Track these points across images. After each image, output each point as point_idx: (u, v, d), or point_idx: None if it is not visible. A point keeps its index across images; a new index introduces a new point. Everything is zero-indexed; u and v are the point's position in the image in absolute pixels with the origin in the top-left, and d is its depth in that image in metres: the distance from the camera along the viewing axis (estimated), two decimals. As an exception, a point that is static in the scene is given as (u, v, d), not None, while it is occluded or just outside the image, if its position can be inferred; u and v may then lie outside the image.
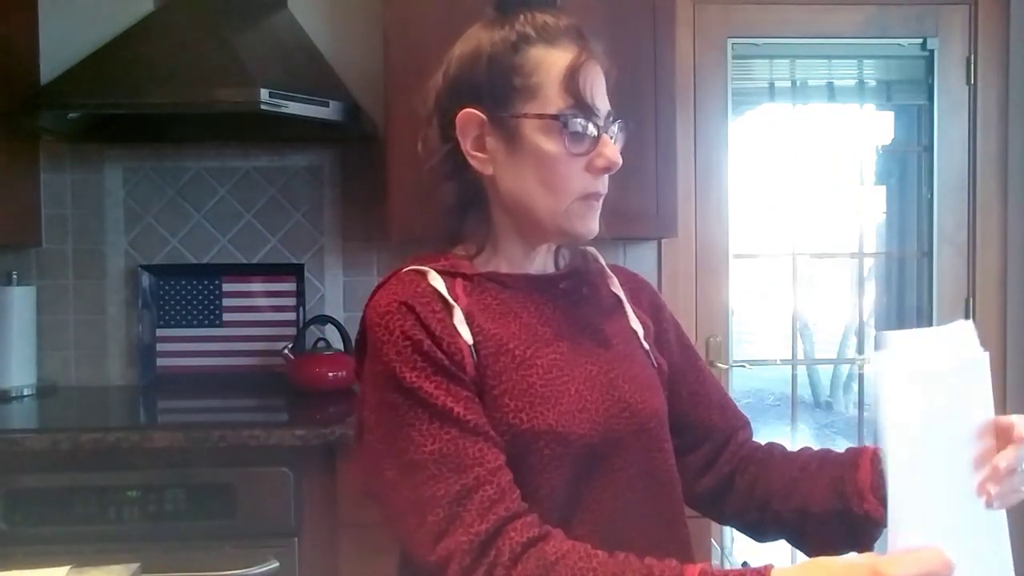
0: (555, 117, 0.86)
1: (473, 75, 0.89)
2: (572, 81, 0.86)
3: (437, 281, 0.86)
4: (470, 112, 0.88)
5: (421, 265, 0.89)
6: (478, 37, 0.90)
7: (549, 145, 0.86)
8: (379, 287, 0.89)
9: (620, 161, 0.88)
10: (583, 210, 0.89)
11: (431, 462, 0.78)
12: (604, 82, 0.90)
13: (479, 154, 0.89)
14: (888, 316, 2.64)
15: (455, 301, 0.86)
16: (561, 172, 0.87)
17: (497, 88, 0.87)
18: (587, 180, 0.88)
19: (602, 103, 0.89)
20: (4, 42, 2.04)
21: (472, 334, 0.84)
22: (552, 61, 0.87)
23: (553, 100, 0.86)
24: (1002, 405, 2.29)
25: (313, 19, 2.21)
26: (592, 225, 0.90)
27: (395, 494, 0.80)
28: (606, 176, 0.90)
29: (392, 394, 0.81)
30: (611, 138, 0.90)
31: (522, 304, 0.90)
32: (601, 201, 0.91)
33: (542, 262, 0.96)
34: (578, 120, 0.86)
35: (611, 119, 0.90)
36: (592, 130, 0.87)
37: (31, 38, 2.16)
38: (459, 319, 0.84)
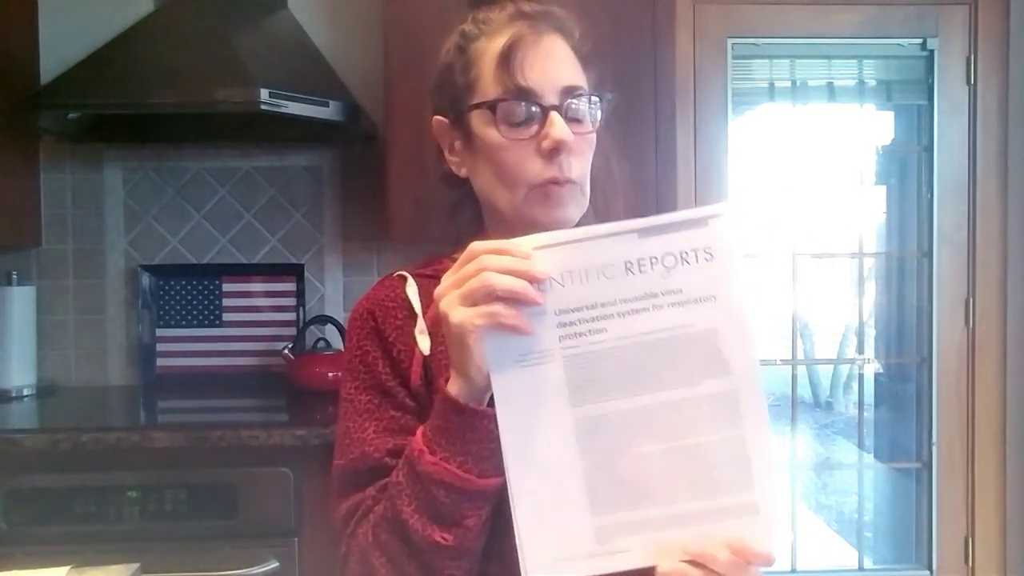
0: (482, 105, 0.84)
1: (436, 83, 0.91)
2: (504, 64, 0.83)
3: (412, 289, 0.89)
4: (438, 119, 0.90)
5: (409, 270, 0.92)
6: (444, 45, 0.92)
7: (491, 136, 0.84)
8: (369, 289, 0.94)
9: (568, 138, 0.81)
10: (541, 198, 0.83)
11: (339, 475, 0.87)
12: (557, 55, 0.85)
13: (454, 158, 0.91)
14: (888, 316, 2.64)
15: (428, 308, 0.87)
16: (508, 161, 0.83)
17: (449, 91, 0.88)
18: (540, 166, 0.82)
19: (547, 79, 0.83)
20: (4, 42, 2.04)
21: (433, 345, 0.86)
22: (488, 50, 0.85)
23: (488, 89, 0.84)
24: (1003, 405, 2.30)
25: (313, 19, 2.21)
26: (556, 213, 0.83)
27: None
28: (569, 158, 0.83)
29: (341, 395, 0.90)
30: (573, 114, 0.84)
31: None
32: (573, 186, 0.84)
33: None
34: (509, 103, 0.82)
35: (578, 94, 0.84)
36: (533, 111, 0.82)
37: (31, 38, 2.16)
38: (420, 328, 0.86)
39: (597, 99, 0.86)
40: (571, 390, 0.69)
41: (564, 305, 0.69)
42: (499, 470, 0.73)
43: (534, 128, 0.82)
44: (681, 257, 0.69)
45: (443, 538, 0.75)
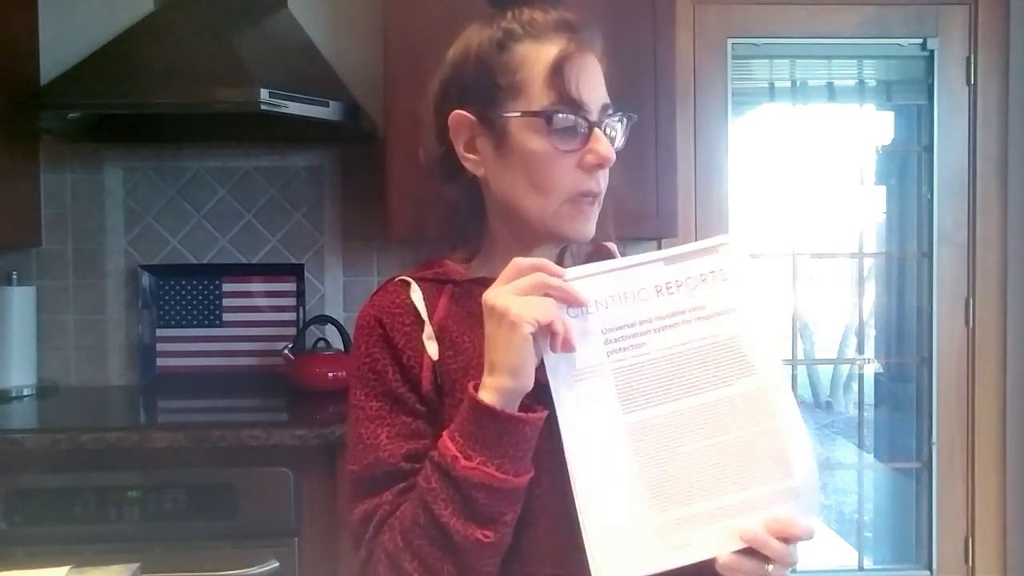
0: (539, 114, 0.83)
1: (462, 76, 0.88)
2: (557, 75, 0.83)
3: (416, 294, 0.89)
4: (460, 114, 0.87)
5: (410, 275, 0.92)
6: (468, 38, 0.89)
7: (536, 143, 0.84)
8: (372, 295, 0.93)
9: (613, 156, 0.84)
10: (573, 212, 0.85)
11: (353, 480, 0.86)
12: (598, 73, 0.87)
13: (471, 156, 0.88)
14: (888, 316, 2.64)
15: (434, 313, 0.88)
16: (550, 171, 0.84)
17: (484, 88, 0.86)
18: (578, 178, 0.84)
19: (593, 96, 0.85)
20: (4, 42, 2.04)
21: (442, 349, 0.86)
22: (536, 56, 0.85)
23: (538, 96, 0.84)
24: (1003, 405, 2.30)
25: (313, 19, 2.21)
26: (583, 227, 0.87)
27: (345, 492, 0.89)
28: (603, 174, 0.86)
29: (351, 402, 0.88)
30: (608, 132, 0.86)
31: None
32: (598, 201, 0.87)
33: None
34: (564, 115, 0.83)
35: (609, 112, 0.86)
36: (582, 125, 0.84)
37: (31, 38, 2.16)
38: (428, 334, 0.87)
39: (627, 119, 0.89)
40: (621, 399, 0.78)
41: (609, 324, 0.79)
42: (530, 467, 0.78)
43: (578, 141, 0.84)
44: (701, 279, 0.81)
45: (484, 535, 0.77)
